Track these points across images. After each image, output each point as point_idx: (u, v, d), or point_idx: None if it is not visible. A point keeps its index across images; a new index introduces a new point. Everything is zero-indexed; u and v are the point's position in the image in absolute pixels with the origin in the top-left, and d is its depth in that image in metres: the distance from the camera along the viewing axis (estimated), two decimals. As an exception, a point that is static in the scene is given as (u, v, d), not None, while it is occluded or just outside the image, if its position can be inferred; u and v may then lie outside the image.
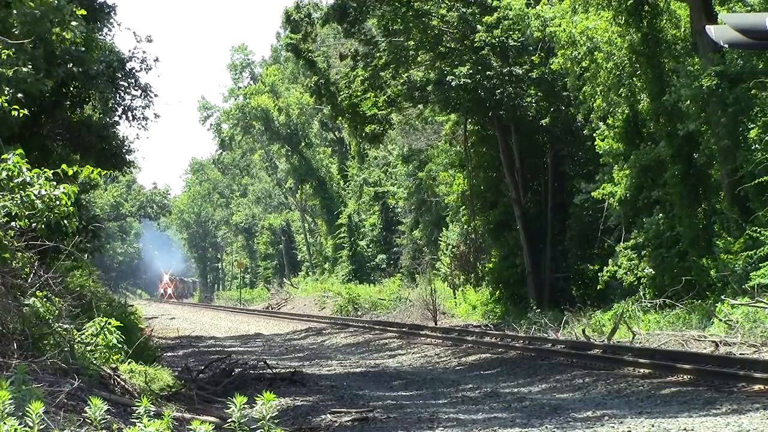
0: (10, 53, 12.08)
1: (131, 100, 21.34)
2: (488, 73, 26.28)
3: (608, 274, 23.26)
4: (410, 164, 44.31)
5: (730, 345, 14.87)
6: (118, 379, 9.55)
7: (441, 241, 39.06)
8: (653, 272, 21.78)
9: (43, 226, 9.35)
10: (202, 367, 14.86)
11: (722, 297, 17.68)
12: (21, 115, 10.90)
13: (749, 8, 19.07)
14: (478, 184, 31.02)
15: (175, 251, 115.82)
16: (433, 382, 14.49)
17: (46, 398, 6.89)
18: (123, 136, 22.19)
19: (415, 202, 45.35)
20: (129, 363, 10.85)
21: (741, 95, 19.00)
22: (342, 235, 56.66)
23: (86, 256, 21.36)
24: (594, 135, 24.29)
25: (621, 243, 23.60)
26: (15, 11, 13.29)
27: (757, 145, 18.57)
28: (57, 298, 9.83)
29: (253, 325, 36.38)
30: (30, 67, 12.34)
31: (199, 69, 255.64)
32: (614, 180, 23.29)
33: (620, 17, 22.24)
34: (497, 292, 29.80)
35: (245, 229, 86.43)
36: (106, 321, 11.08)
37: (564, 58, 23.92)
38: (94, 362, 9.66)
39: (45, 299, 9.48)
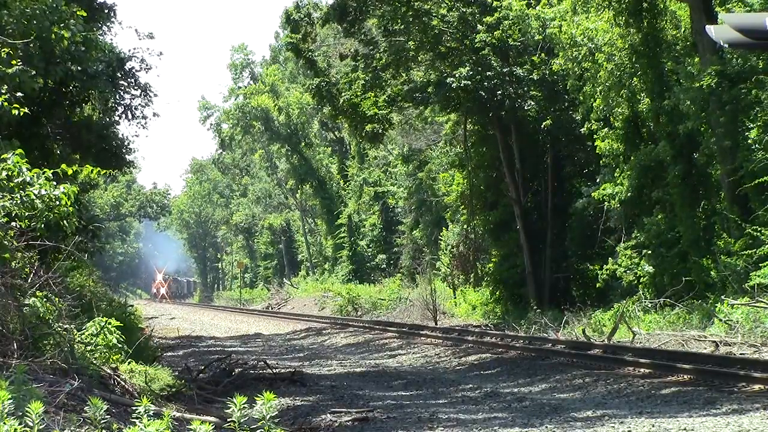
0: (10, 51, 12.07)
1: (131, 99, 21.32)
2: (488, 73, 26.27)
3: (607, 272, 23.26)
4: (410, 164, 44.30)
5: (730, 345, 14.86)
6: (118, 379, 9.56)
7: (441, 241, 39.05)
8: (653, 271, 21.78)
9: (42, 226, 9.34)
10: (202, 367, 14.87)
11: (722, 297, 17.68)
12: (21, 114, 10.90)
13: (749, 8, 19.07)
14: (478, 184, 31.01)
15: (174, 251, 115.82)
16: (433, 382, 14.49)
17: (46, 398, 6.88)
18: (123, 136, 22.18)
19: (415, 202, 45.35)
20: (129, 363, 10.85)
21: (740, 95, 19.01)
22: (342, 235, 56.65)
23: (86, 256, 21.34)
24: (594, 135, 24.29)
25: (621, 243, 23.60)
26: (8, 11, 13.28)
27: (757, 145, 18.57)
28: (57, 298, 9.83)
29: (253, 325, 36.38)
30: (21, 65, 12.31)
31: (199, 69, 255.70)
32: (615, 180, 23.29)
33: (620, 18, 22.25)
34: (497, 292, 29.79)
35: (245, 229, 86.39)
36: (106, 321, 11.09)
37: (564, 59, 23.92)
38: (94, 362, 9.67)
39: (45, 299, 9.48)
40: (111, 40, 22.04)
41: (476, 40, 26.51)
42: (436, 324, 27.06)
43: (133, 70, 21.01)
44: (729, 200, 19.83)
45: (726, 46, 10.39)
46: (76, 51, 16.77)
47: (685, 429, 8.68)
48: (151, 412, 5.62)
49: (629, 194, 22.69)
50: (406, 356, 19.73)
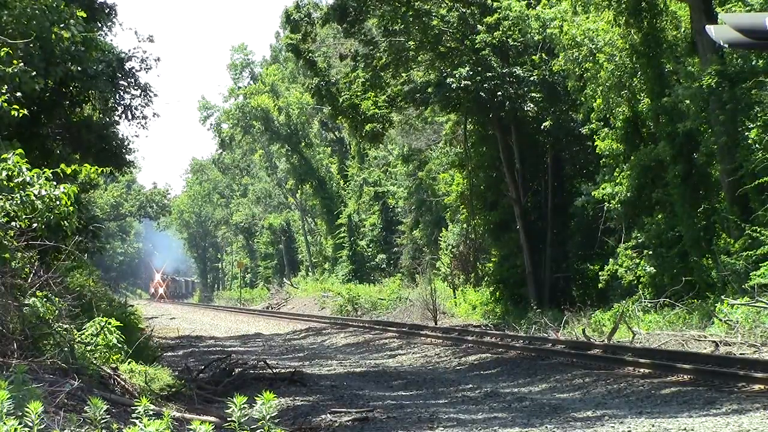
0: (10, 51, 12.08)
1: (131, 99, 21.34)
2: (488, 74, 26.27)
3: (608, 272, 23.27)
4: (410, 164, 44.30)
5: (730, 345, 14.86)
6: (118, 379, 9.56)
7: (441, 241, 39.06)
8: (654, 271, 21.78)
9: (43, 226, 9.35)
10: (202, 367, 14.87)
11: (722, 297, 17.67)
12: (20, 115, 10.90)
13: (749, 8, 19.07)
14: (478, 184, 31.03)
15: (174, 251, 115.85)
16: (433, 382, 14.49)
17: (46, 398, 6.89)
18: (123, 136, 22.20)
19: (415, 202, 45.35)
20: (129, 363, 10.86)
21: (740, 95, 19.02)
22: (342, 235, 56.65)
23: (86, 256, 21.34)
24: (594, 135, 24.30)
25: (621, 243, 23.61)
26: (8, 11, 13.28)
27: (757, 145, 18.57)
28: (57, 298, 9.83)
29: (253, 325, 36.38)
30: (22, 65, 12.31)
31: (199, 69, 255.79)
32: (615, 180, 23.29)
33: (621, 18, 22.27)
34: (497, 292, 29.80)
35: (245, 229, 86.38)
36: (106, 321, 11.10)
37: (565, 59, 23.93)
38: (94, 362, 9.67)
39: (45, 299, 9.48)
40: (111, 40, 22.06)
41: (476, 41, 26.52)
42: (436, 324, 27.06)
43: (133, 70, 21.03)
44: (729, 200, 19.83)
45: (726, 46, 10.40)
46: (76, 51, 16.79)
47: (685, 429, 8.68)
48: (151, 412, 5.63)
49: (629, 194, 22.70)
50: (406, 356, 19.73)
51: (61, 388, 7.55)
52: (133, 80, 21.05)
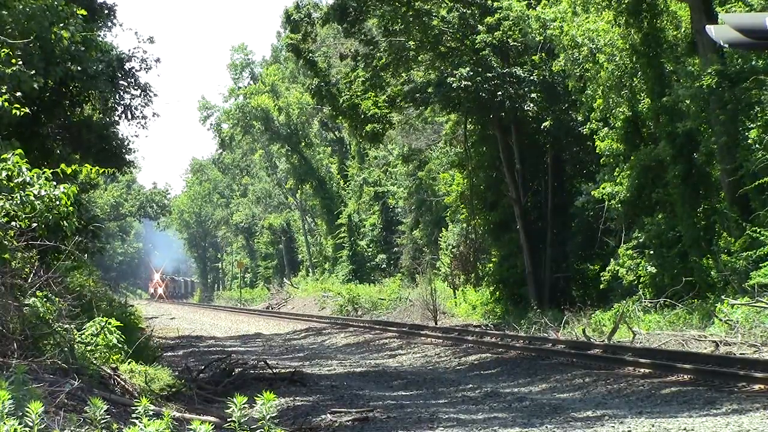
0: (10, 51, 12.08)
1: (131, 99, 21.34)
2: (489, 74, 26.26)
3: (609, 273, 23.26)
4: (410, 164, 44.28)
5: (730, 345, 14.86)
6: (118, 379, 9.56)
7: (441, 241, 39.05)
8: (654, 271, 21.78)
9: (43, 226, 9.34)
10: (202, 367, 14.87)
11: (722, 297, 17.67)
12: (21, 114, 10.90)
13: (749, 8, 19.07)
14: (478, 184, 31.01)
15: (174, 251, 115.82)
16: (433, 382, 14.48)
17: (46, 398, 6.89)
18: (123, 136, 22.21)
19: (415, 202, 45.35)
20: (129, 363, 10.85)
21: (740, 95, 19.02)
22: (342, 235, 56.64)
23: (86, 256, 21.34)
24: (594, 135, 24.30)
25: (622, 243, 23.60)
26: (7, 11, 13.28)
27: (757, 145, 18.57)
28: (57, 298, 9.82)
29: (253, 325, 36.37)
30: (21, 64, 12.31)
31: (199, 69, 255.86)
32: (615, 180, 23.29)
33: (621, 18, 22.27)
34: (497, 292, 29.79)
35: (245, 229, 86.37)
36: (106, 321, 11.09)
37: (565, 60, 23.93)
38: (94, 362, 9.67)
39: (45, 299, 9.48)
40: (111, 41, 22.08)
41: (476, 41, 26.51)
42: (436, 324, 27.06)
43: (133, 70, 21.05)
44: (729, 200, 19.84)
45: (726, 46, 10.40)
46: (76, 51, 16.78)
47: (685, 429, 8.68)
48: (151, 412, 5.63)
49: (629, 194, 22.70)
50: (406, 356, 19.72)
51: (61, 388, 7.55)
52: (133, 80, 21.06)
